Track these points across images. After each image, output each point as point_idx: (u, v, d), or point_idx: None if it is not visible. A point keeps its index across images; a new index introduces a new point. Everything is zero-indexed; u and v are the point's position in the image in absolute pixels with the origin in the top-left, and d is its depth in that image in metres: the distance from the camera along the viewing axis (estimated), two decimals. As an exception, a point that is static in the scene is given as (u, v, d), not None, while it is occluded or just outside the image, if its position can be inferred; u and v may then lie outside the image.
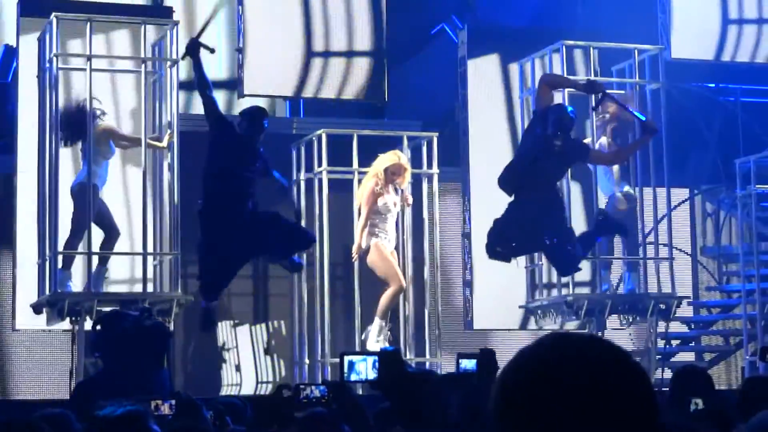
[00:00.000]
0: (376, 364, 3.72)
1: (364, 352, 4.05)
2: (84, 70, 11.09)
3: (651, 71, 12.51)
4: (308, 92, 12.90)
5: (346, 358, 3.95)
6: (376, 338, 11.47)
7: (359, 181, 11.88)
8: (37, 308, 11.04)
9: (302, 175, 12.47)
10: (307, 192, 12.33)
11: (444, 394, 4.14)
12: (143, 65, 11.45)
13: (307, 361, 12.26)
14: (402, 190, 11.78)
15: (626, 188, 12.29)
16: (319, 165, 12.17)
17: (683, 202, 14.02)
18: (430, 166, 12.38)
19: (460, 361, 5.86)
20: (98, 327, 8.56)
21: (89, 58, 11.05)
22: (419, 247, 12.25)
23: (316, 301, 12.07)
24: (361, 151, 12.00)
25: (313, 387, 4.82)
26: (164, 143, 11.33)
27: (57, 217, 10.99)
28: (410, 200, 11.95)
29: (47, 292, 11.02)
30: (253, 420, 4.94)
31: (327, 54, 12.82)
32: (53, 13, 11.07)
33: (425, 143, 12.40)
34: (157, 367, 8.01)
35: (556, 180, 11.45)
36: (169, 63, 11.46)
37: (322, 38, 12.82)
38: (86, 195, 10.84)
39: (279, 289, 12.67)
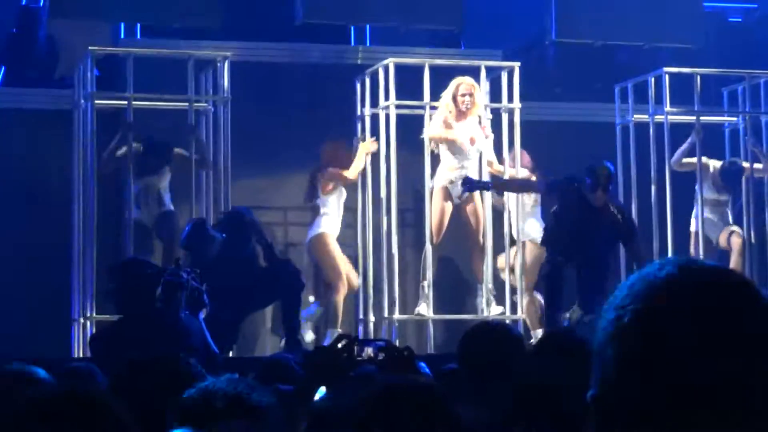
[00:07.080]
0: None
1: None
2: (124, 106, 10.85)
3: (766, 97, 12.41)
4: (374, 17, 12.34)
5: None
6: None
7: (431, 117, 11.38)
8: None
9: (367, 110, 11.83)
10: (372, 129, 11.78)
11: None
12: (190, 106, 11.11)
13: (372, 318, 11.68)
14: (480, 120, 11.30)
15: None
16: (386, 99, 11.52)
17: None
18: (510, 100, 11.73)
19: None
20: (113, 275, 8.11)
21: (129, 100, 10.79)
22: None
23: (382, 252, 11.50)
24: (433, 84, 11.35)
25: (373, 344, 4.42)
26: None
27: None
28: (488, 132, 11.44)
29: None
30: (304, 375, 4.52)
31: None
32: (89, 47, 10.78)
33: (506, 74, 11.78)
34: (181, 316, 7.50)
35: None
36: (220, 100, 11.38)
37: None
38: None
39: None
